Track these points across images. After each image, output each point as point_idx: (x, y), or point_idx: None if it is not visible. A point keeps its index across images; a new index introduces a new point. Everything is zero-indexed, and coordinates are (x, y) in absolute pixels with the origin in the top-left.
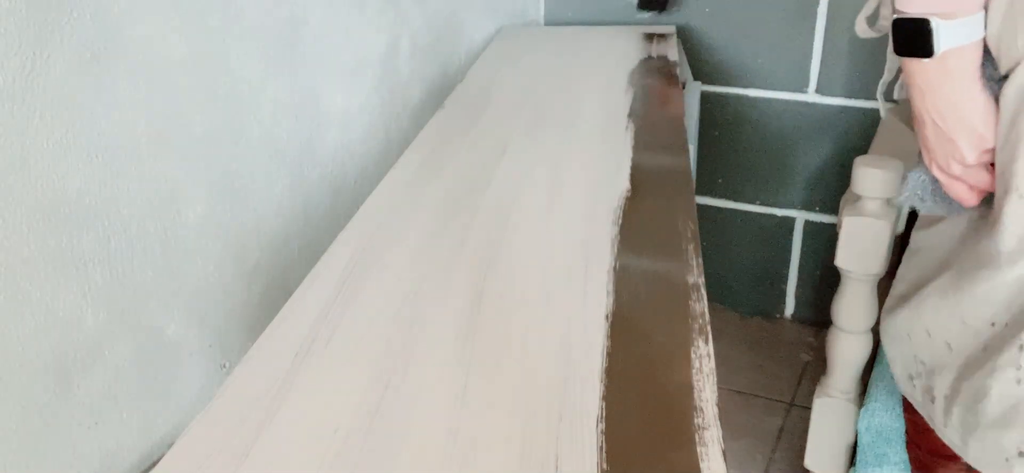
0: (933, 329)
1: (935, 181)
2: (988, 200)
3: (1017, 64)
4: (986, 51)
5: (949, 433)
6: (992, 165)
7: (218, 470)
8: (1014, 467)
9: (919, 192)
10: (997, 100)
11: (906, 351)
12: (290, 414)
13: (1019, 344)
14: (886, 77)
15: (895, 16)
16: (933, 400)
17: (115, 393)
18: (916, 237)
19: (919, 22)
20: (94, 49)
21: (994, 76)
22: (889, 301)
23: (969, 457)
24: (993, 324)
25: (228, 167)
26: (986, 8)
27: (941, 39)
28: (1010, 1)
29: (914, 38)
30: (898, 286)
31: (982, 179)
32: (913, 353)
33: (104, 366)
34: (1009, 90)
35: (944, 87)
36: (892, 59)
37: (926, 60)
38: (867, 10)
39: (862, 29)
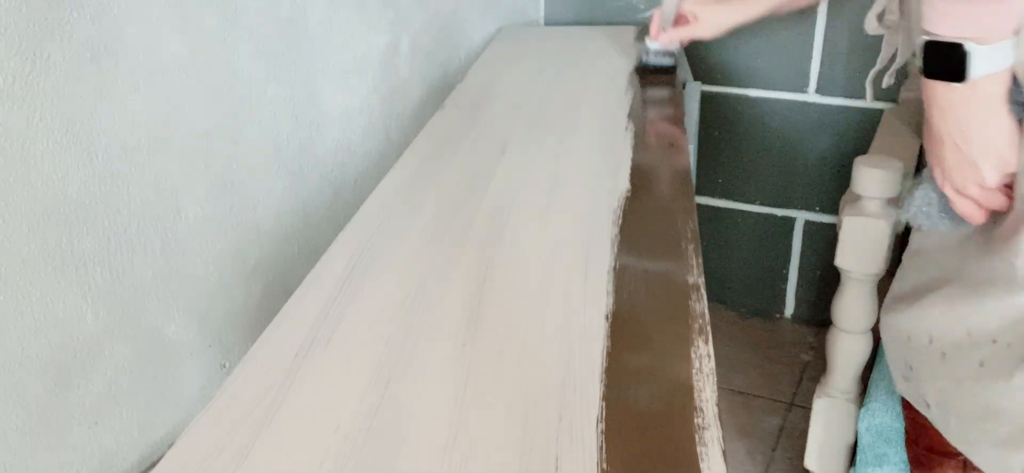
0: (935, 336)
1: (943, 197)
2: (993, 214)
3: None
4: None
5: (953, 441)
6: (1008, 186)
7: (218, 470)
8: None
9: (925, 208)
10: (1021, 123)
11: (902, 353)
12: (290, 414)
13: None
14: (878, 66)
15: (926, 38)
16: (928, 406)
17: (115, 393)
18: (917, 237)
19: (953, 46)
20: (94, 49)
21: (1019, 99)
22: (889, 300)
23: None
24: (994, 341)
25: (228, 167)
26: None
27: (976, 65)
28: None
29: (946, 62)
30: (899, 285)
31: (998, 201)
32: (906, 357)
33: (104, 366)
34: None
35: (972, 111)
36: (886, 50)
37: (956, 84)
38: (878, 8)
39: (872, 26)
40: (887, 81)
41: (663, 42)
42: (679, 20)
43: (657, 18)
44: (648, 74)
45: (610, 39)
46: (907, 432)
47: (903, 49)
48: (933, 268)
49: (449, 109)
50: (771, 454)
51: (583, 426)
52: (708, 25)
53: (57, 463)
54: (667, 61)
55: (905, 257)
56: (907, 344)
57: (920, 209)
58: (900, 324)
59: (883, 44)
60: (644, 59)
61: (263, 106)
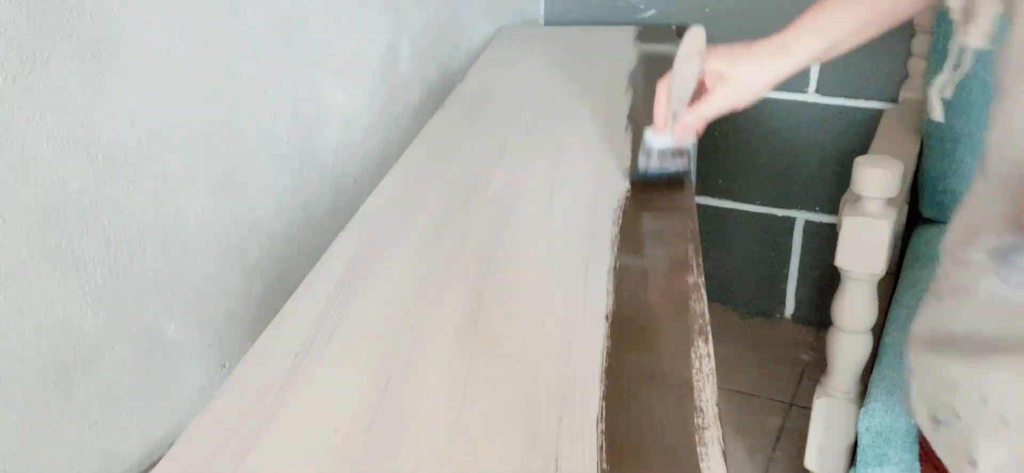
0: (992, 400)
1: None
2: None
3: None
4: None
5: None
6: None
7: (218, 470)
8: None
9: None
10: None
11: (944, 397)
12: (290, 414)
13: None
14: (942, 77)
15: None
16: (973, 464)
17: (115, 393)
18: (961, 273)
19: None
20: (94, 49)
21: None
22: (927, 334)
23: None
24: None
25: (228, 167)
26: None
27: None
28: None
29: None
30: (941, 323)
31: None
32: (949, 402)
33: (104, 366)
34: None
35: None
36: (952, 57)
37: None
38: (984, 26)
39: (975, 40)
40: (949, 92)
41: (678, 136)
42: (697, 90)
43: (664, 98)
44: (650, 185)
45: (610, 39)
46: (921, 446)
47: (966, 58)
48: (995, 321)
49: (449, 109)
50: (771, 454)
51: (583, 426)
52: (741, 88)
53: (57, 463)
54: (677, 165)
55: (945, 289)
56: (951, 391)
57: (1013, 271)
58: (944, 369)
59: (950, 51)
60: (644, 168)
61: (263, 106)
